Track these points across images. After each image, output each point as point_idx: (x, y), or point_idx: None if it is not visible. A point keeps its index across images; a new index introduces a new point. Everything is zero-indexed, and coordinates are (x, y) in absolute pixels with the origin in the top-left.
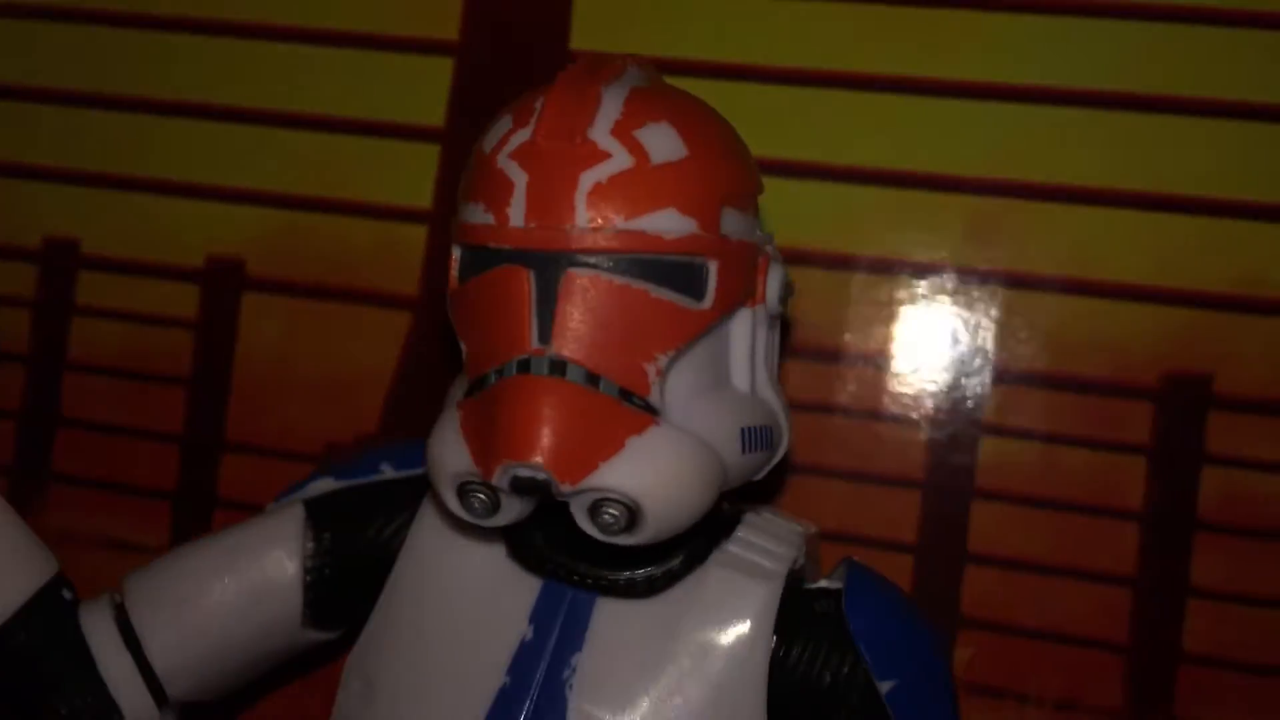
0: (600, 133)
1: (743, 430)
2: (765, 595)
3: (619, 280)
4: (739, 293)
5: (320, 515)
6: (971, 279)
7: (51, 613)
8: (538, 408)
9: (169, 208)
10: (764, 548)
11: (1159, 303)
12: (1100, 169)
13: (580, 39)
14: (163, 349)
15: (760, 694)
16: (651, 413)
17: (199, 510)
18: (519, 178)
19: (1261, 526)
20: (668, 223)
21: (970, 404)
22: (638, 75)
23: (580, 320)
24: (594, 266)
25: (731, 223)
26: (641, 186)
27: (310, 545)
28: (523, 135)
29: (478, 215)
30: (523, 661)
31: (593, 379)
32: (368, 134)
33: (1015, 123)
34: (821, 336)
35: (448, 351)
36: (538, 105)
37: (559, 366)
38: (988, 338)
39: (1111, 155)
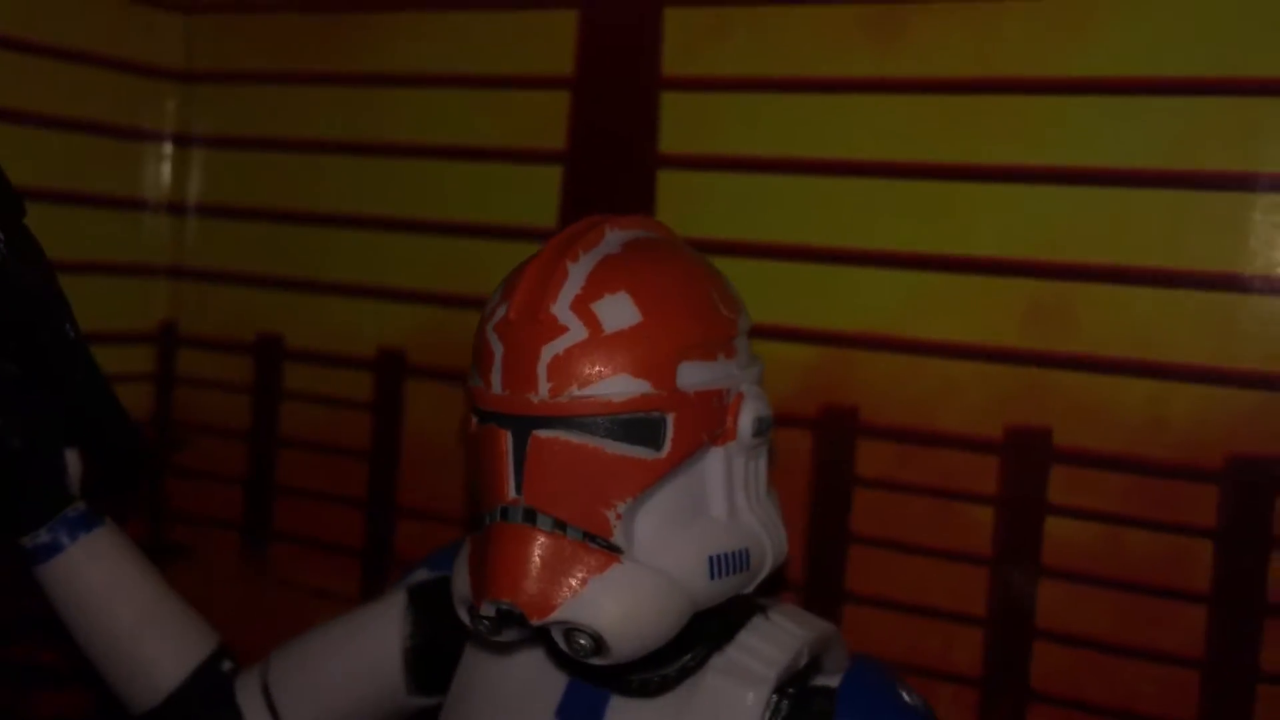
0: (561, 308)
1: (711, 558)
2: (753, 699)
3: (576, 439)
4: (701, 436)
5: (419, 600)
6: (1032, 361)
7: (212, 683)
8: (513, 552)
9: (347, 306)
10: (760, 652)
11: (1224, 384)
12: (1162, 249)
13: (669, 140)
14: (349, 427)
15: None
16: (615, 551)
17: (380, 565)
18: (498, 349)
19: None
20: (619, 386)
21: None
22: (616, 240)
23: (545, 475)
24: (555, 428)
25: (690, 375)
26: (594, 356)
27: (409, 626)
28: (503, 310)
29: (475, 379)
30: None
31: (560, 525)
32: (498, 238)
33: (1075, 205)
34: (896, 416)
35: None
36: (517, 279)
37: (530, 515)
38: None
39: (1173, 234)
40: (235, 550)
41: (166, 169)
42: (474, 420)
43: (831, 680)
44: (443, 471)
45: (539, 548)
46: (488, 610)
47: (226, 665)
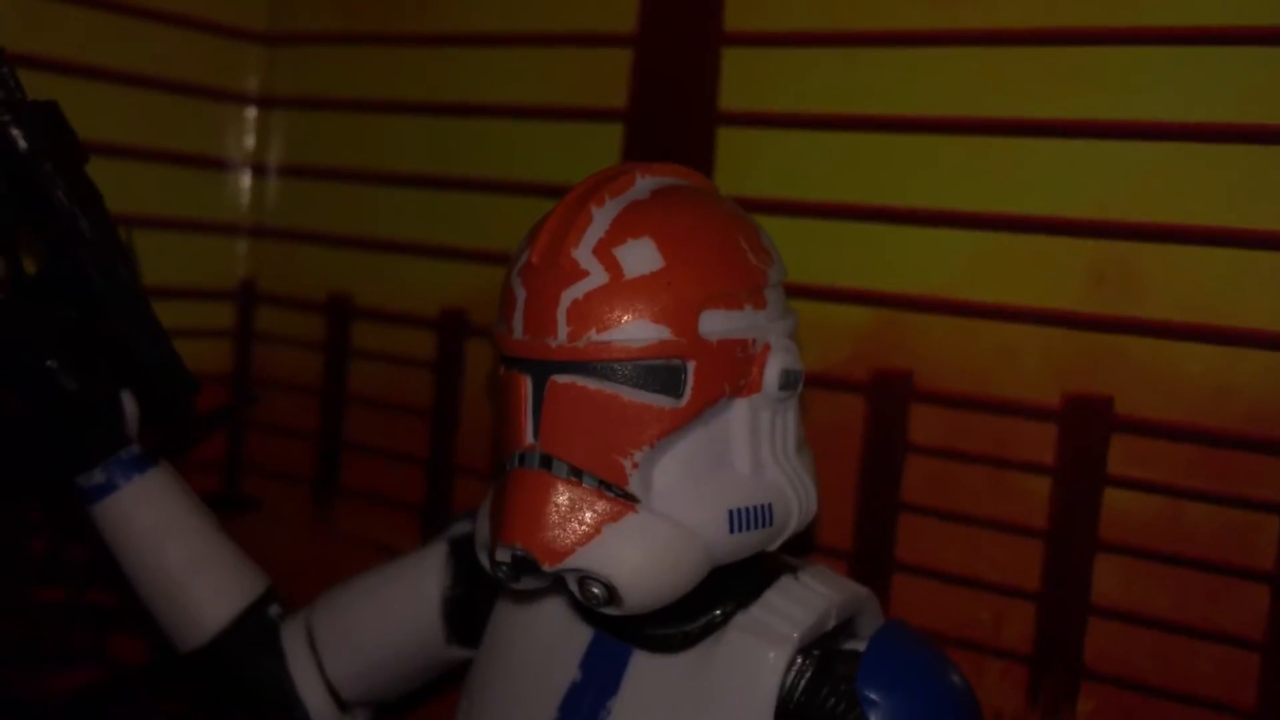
0: (583, 252)
1: (730, 512)
2: (774, 657)
3: (594, 385)
4: (723, 387)
5: (458, 552)
6: (1094, 326)
7: (259, 626)
8: (528, 498)
9: (413, 266)
10: (785, 612)
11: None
12: (1233, 209)
13: (729, 97)
14: (412, 385)
15: None
16: (632, 500)
17: (439, 521)
18: (520, 294)
19: None
20: (638, 332)
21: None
22: (646, 187)
23: (562, 421)
24: (572, 373)
25: (713, 323)
26: (613, 301)
27: (448, 578)
28: (526, 255)
29: (499, 324)
30: (571, 701)
31: (576, 472)
32: (558, 196)
33: (1139, 162)
34: (950, 382)
35: None
36: (542, 225)
37: (546, 461)
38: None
39: (1241, 193)
40: (305, 504)
41: (250, 130)
42: (501, 367)
43: (860, 645)
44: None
45: (554, 493)
46: (503, 555)
47: (274, 609)
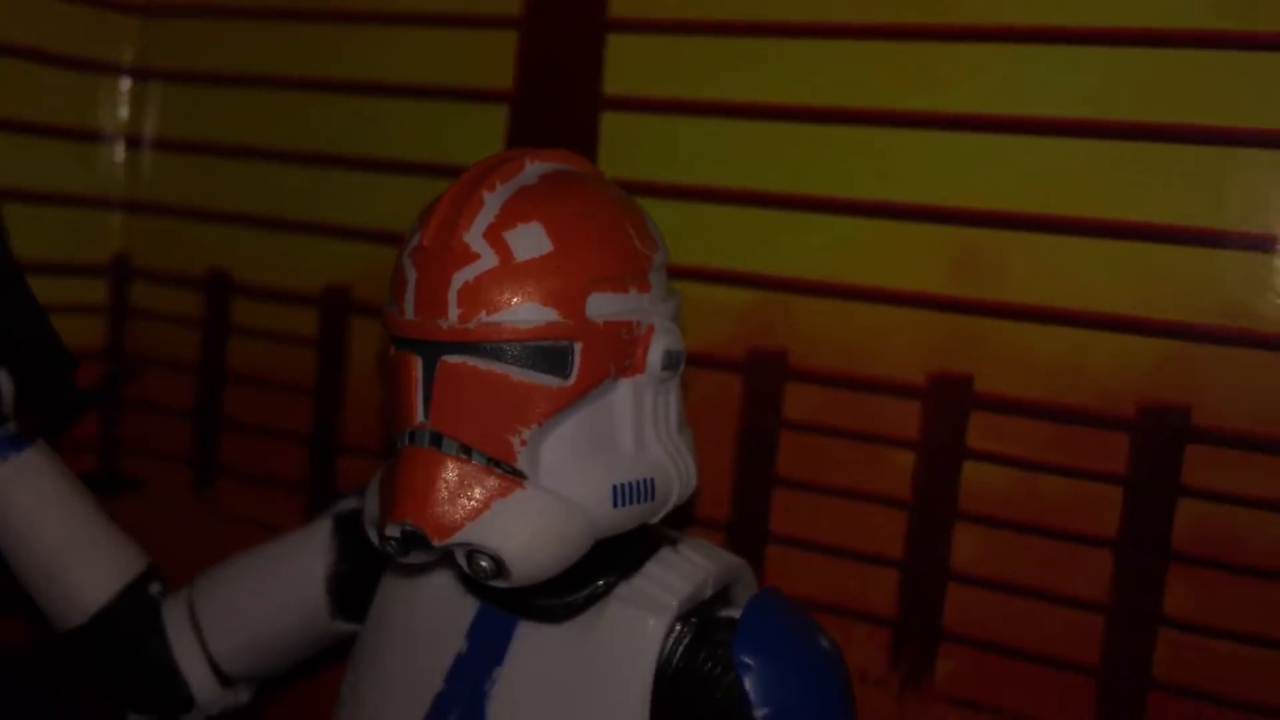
0: (474, 236)
1: (614, 487)
2: (653, 625)
3: (483, 365)
4: (608, 367)
5: (343, 528)
6: (957, 309)
7: (139, 604)
8: (418, 474)
9: (294, 243)
10: (664, 581)
11: (1140, 334)
12: (1087, 199)
13: (613, 81)
14: (294, 363)
15: (644, 715)
16: (519, 477)
17: (323, 500)
18: (411, 275)
19: (1234, 561)
20: (526, 314)
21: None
22: (535, 172)
23: (452, 400)
24: (463, 353)
25: (600, 305)
26: (502, 283)
27: (332, 554)
28: (417, 238)
29: (389, 304)
30: (457, 672)
31: (466, 449)
32: (443, 176)
33: (1004, 154)
34: (823, 361)
35: None
36: (435, 207)
37: (436, 439)
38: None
39: (1096, 184)
40: (184, 484)
41: (124, 101)
42: (391, 347)
43: (736, 612)
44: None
45: (444, 470)
46: (393, 531)
47: (155, 588)
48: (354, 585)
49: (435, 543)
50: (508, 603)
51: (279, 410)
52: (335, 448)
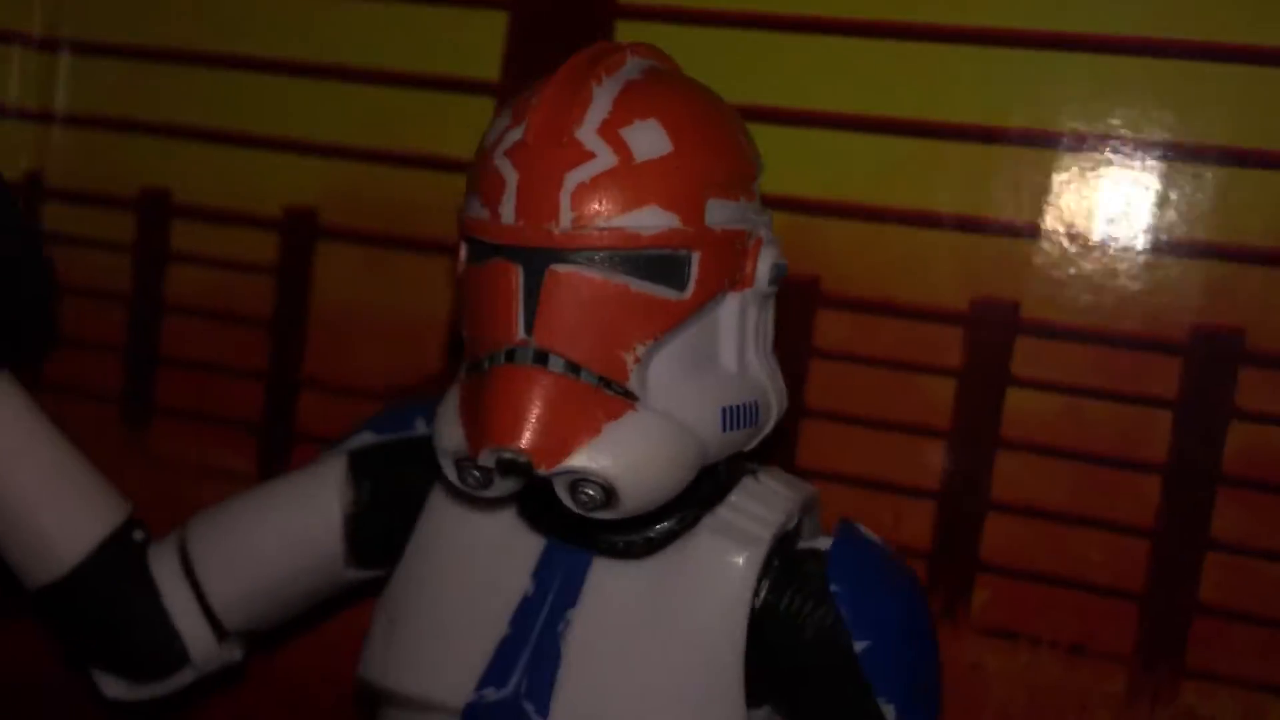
0: (587, 132)
1: (724, 410)
2: (747, 559)
3: (599, 275)
4: (723, 280)
5: (362, 466)
6: (1004, 231)
7: (122, 553)
8: (520, 395)
9: (250, 160)
10: (753, 513)
11: (1190, 256)
12: (1134, 120)
13: None
14: (247, 292)
15: (738, 653)
16: (630, 398)
17: (281, 441)
18: (511, 176)
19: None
20: (648, 219)
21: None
22: (637, 66)
23: (561, 314)
24: (576, 262)
25: (717, 213)
26: (623, 185)
27: (351, 493)
28: (516, 134)
29: (476, 209)
30: (524, 614)
31: (573, 368)
32: (429, 88)
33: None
34: (857, 287)
35: None
36: (533, 101)
37: (541, 357)
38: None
39: (1148, 104)
40: (113, 425)
41: None
42: (463, 256)
43: (817, 543)
44: (357, 342)
45: (550, 391)
46: (487, 460)
47: (138, 535)
48: (374, 529)
49: (541, 471)
50: (579, 539)
51: (225, 344)
52: (295, 384)
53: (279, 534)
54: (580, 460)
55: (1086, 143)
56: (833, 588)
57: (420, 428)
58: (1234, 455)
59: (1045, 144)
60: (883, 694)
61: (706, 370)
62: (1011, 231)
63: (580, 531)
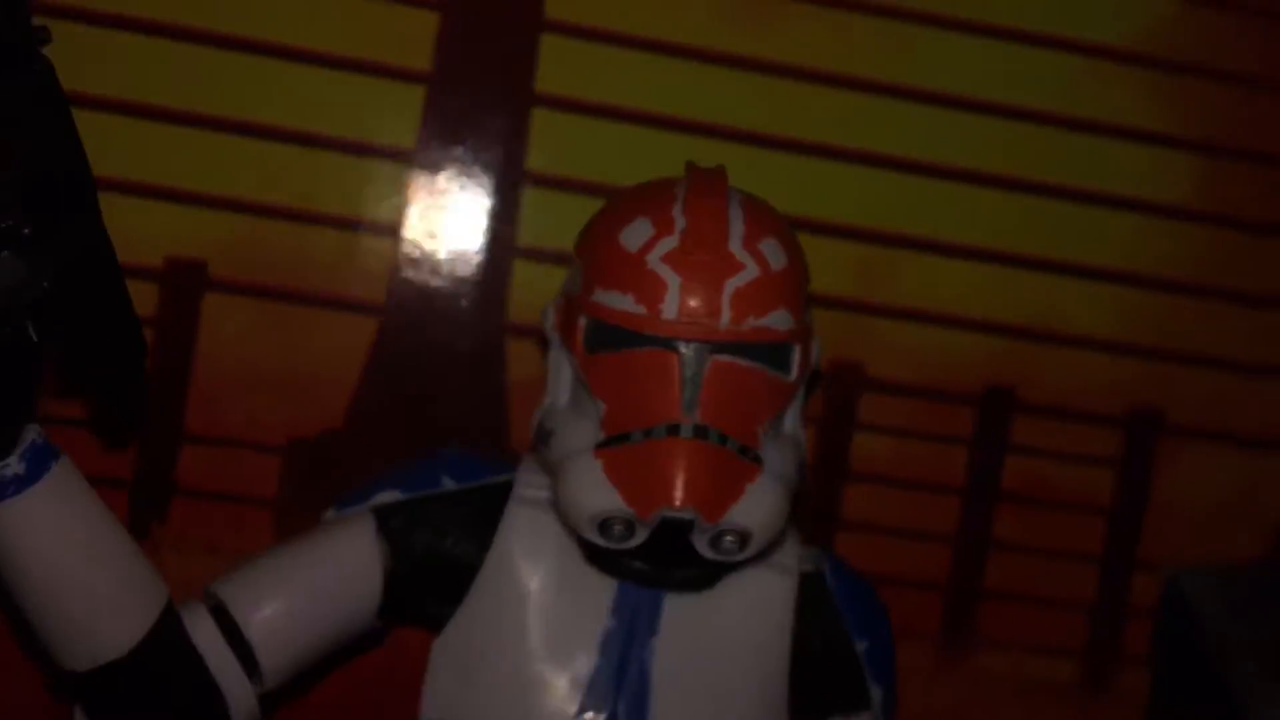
0: (735, 246)
1: (799, 465)
2: (788, 587)
3: (745, 364)
4: (806, 365)
5: (394, 522)
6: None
7: (172, 626)
8: (692, 464)
9: (129, 208)
10: (779, 542)
11: (982, 331)
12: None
13: (545, 82)
14: None
15: (785, 669)
16: (759, 463)
17: (155, 497)
18: (673, 280)
19: (1046, 498)
20: (780, 319)
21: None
22: (733, 189)
23: (718, 395)
24: (731, 353)
25: (806, 312)
26: (766, 291)
27: (390, 548)
28: (670, 243)
29: (627, 304)
30: (611, 647)
31: (722, 439)
32: (339, 150)
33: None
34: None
35: (413, 356)
36: (677, 216)
37: (702, 431)
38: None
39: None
40: None
41: None
42: (582, 341)
43: (803, 565)
44: (249, 395)
45: (712, 460)
46: (655, 519)
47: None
48: (413, 583)
49: (707, 525)
50: (649, 578)
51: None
52: (178, 439)
53: (327, 597)
54: (734, 515)
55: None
56: (837, 600)
57: (449, 484)
58: (1010, 479)
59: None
60: (873, 680)
61: (788, 437)
62: None
63: (651, 572)
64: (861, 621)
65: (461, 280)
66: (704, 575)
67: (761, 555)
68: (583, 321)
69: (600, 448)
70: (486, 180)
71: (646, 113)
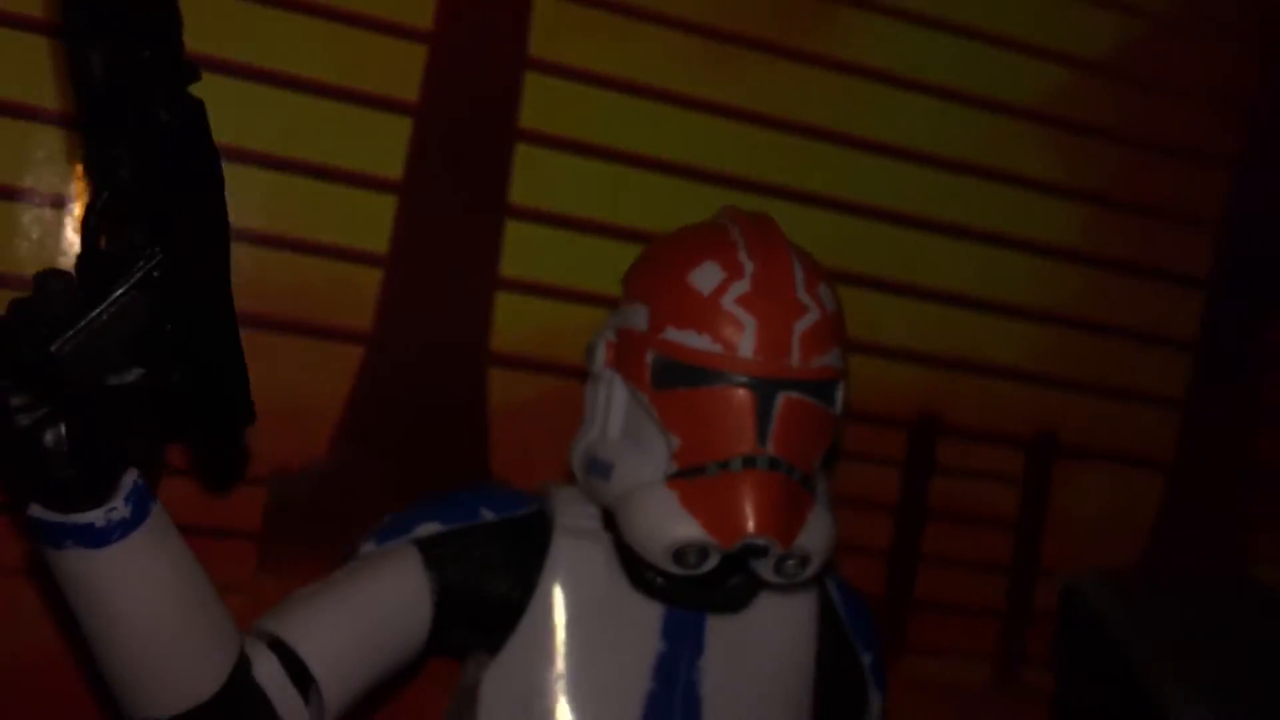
0: (800, 291)
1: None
2: (812, 602)
3: (810, 399)
4: (845, 401)
5: (437, 554)
6: None
7: (245, 675)
8: (770, 494)
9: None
10: None
11: (914, 363)
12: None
13: (529, 116)
14: None
15: (811, 681)
16: (813, 492)
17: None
18: (748, 321)
19: (965, 513)
20: (835, 358)
21: None
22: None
23: (789, 429)
24: (801, 390)
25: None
26: (825, 332)
27: (438, 580)
28: (742, 286)
29: (704, 343)
30: (663, 669)
31: (790, 470)
32: (325, 179)
33: None
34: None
35: (398, 385)
36: (744, 261)
37: (776, 463)
38: None
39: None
40: None
41: None
42: (649, 377)
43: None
44: None
45: (785, 490)
46: (735, 546)
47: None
48: (461, 614)
49: (780, 550)
50: (692, 601)
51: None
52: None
53: (383, 629)
54: (801, 541)
55: None
56: (843, 615)
57: (488, 515)
58: (934, 498)
59: None
60: (876, 689)
61: (822, 468)
62: None
63: (694, 595)
64: (865, 635)
65: (446, 310)
66: (747, 593)
67: None
68: (650, 358)
69: (673, 479)
70: (471, 212)
71: (624, 151)
